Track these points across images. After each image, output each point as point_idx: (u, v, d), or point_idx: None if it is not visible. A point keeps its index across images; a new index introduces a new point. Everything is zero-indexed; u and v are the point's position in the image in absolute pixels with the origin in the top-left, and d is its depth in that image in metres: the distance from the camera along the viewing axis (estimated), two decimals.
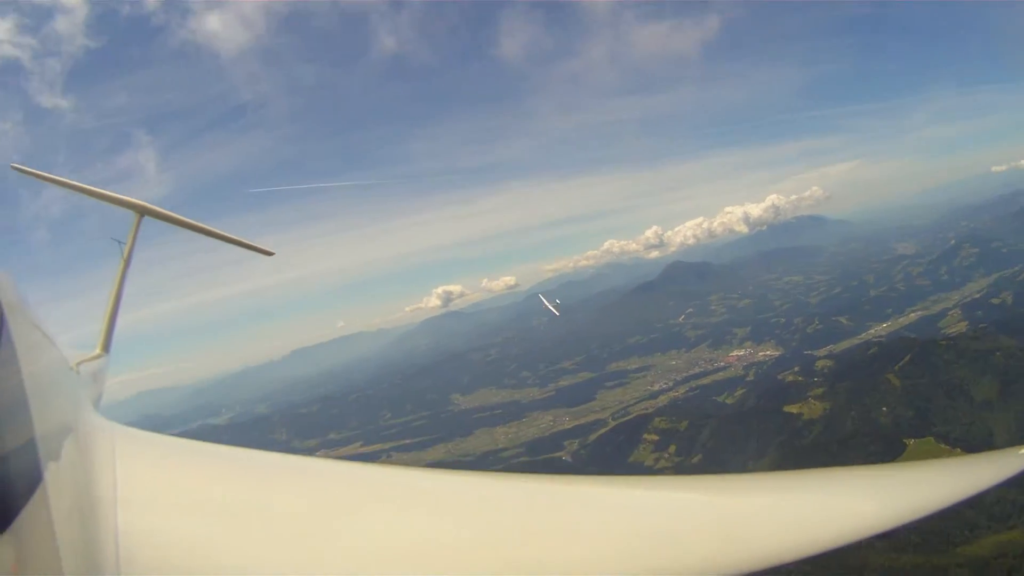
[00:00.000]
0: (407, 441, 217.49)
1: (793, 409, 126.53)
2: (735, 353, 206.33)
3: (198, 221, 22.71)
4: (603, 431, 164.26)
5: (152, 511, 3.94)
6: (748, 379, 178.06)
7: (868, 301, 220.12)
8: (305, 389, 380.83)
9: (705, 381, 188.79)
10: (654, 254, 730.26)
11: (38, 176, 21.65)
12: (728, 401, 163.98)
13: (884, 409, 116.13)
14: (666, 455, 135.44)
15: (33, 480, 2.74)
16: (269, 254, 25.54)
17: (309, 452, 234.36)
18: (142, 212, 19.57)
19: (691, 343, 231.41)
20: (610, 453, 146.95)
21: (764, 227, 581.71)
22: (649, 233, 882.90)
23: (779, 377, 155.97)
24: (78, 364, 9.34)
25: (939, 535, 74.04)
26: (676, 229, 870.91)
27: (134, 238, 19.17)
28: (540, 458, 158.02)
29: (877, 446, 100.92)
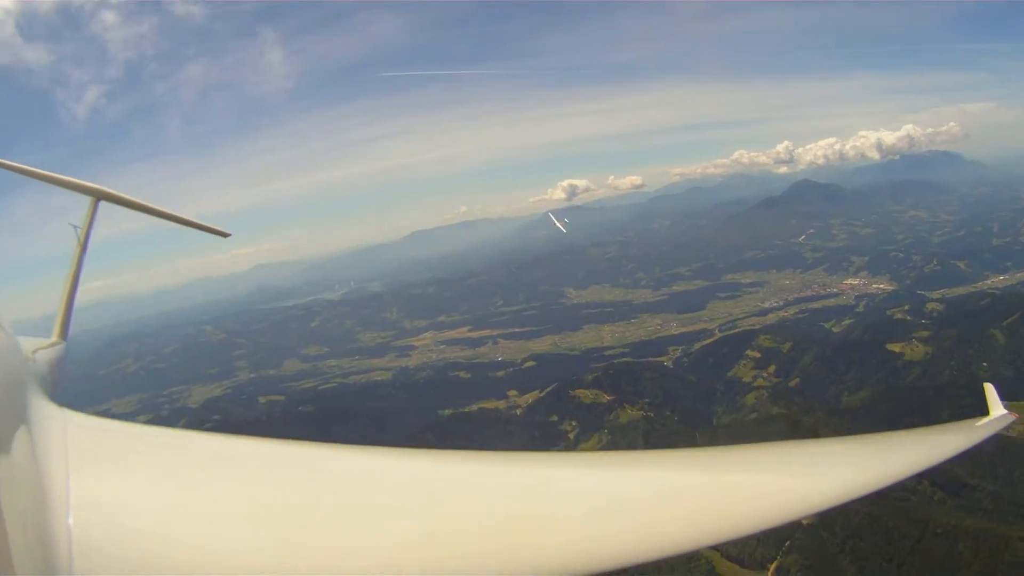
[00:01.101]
0: (515, 329, 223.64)
1: (896, 348, 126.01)
2: (849, 281, 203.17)
3: (155, 204, 22.64)
4: (708, 341, 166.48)
5: (106, 503, 3.97)
6: (858, 310, 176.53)
7: (989, 250, 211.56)
8: (421, 271, 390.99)
9: (815, 305, 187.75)
10: (783, 169, 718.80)
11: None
12: (834, 329, 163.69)
13: (984, 365, 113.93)
14: (764, 375, 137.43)
15: None
16: (225, 235, 25.36)
17: (418, 333, 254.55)
18: (99, 197, 19.42)
19: (808, 264, 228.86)
20: (711, 365, 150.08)
21: (896, 156, 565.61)
22: (780, 148, 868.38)
23: (888, 313, 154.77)
24: (34, 352, 9.48)
25: (1013, 504, 75.37)
26: (807, 147, 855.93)
27: (90, 223, 19.05)
28: (642, 360, 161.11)
29: (971, 400, 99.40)
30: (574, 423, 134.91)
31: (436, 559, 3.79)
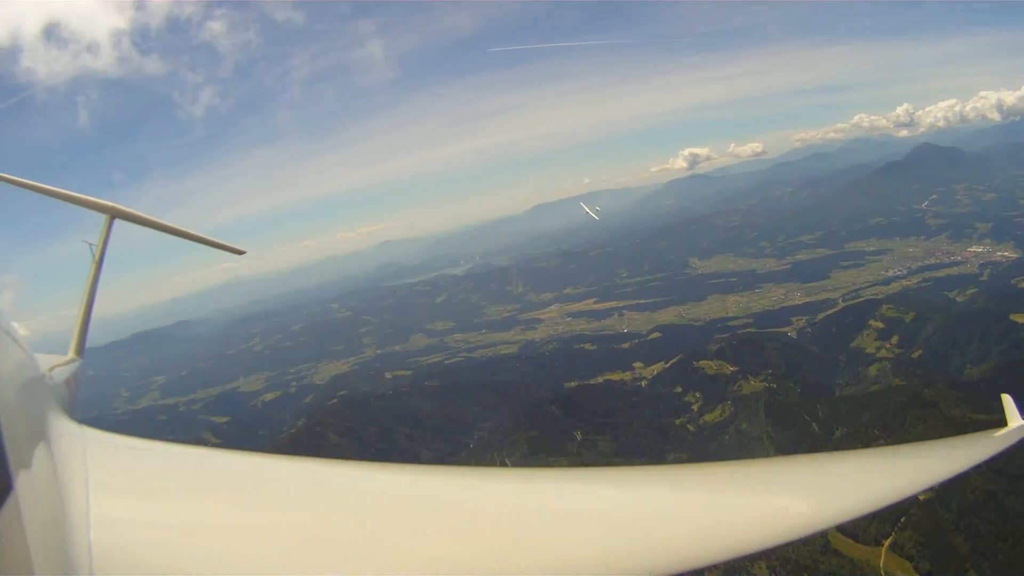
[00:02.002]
0: (640, 301, 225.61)
1: (1019, 318, 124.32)
2: (973, 249, 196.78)
3: (170, 223, 23.13)
4: (831, 311, 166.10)
5: (125, 518, 3.99)
6: (982, 279, 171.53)
7: None
8: (545, 243, 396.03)
9: (939, 274, 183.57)
10: (903, 133, 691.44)
11: (10, 181, 21.40)
12: (959, 299, 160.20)
13: None
14: (887, 345, 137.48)
15: (3, 489, 2.74)
16: (240, 253, 25.91)
17: (543, 306, 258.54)
18: (113, 215, 19.63)
19: (931, 231, 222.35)
20: (835, 335, 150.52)
21: (1017, 117, 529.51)
22: (900, 110, 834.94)
23: (1012, 282, 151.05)
24: (51, 369, 9.58)
25: None
26: (927, 109, 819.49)
27: (105, 240, 19.20)
28: (767, 330, 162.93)
29: None
30: (698, 395, 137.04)
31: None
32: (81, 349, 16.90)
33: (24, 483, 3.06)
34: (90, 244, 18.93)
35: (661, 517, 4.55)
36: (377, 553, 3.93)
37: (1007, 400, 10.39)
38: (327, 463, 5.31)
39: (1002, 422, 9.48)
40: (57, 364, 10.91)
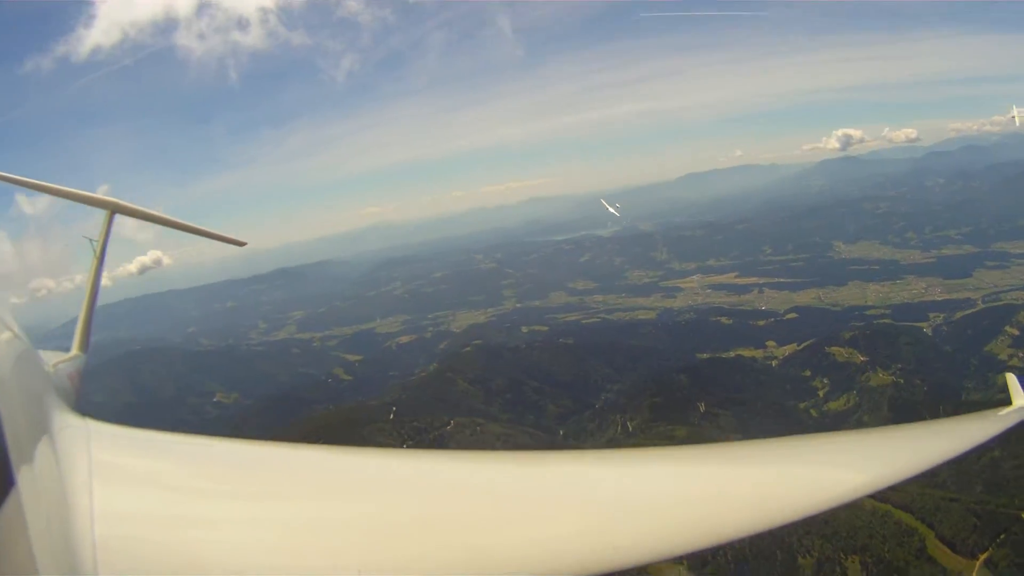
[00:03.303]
0: (781, 280, 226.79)
1: None
2: None
3: (170, 216, 23.50)
4: (969, 312, 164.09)
5: (129, 511, 3.93)
6: None
7: None
8: (692, 213, 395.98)
9: None
10: None
11: (9, 180, 21.26)
12: None
13: None
14: (1021, 354, 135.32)
15: (6, 483, 2.72)
16: (241, 244, 25.89)
17: (685, 275, 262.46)
18: (114, 210, 19.31)
19: None
20: (969, 337, 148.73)
21: None
22: None
23: None
24: (55, 365, 9.48)
25: None
26: None
27: (106, 236, 18.91)
28: (901, 323, 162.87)
29: None
30: (826, 381, 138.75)
31: (446, 559, 3.88)
32: (85, 345, 16.88)
33: (27, 478, 3.13)
34: (91, 240, 18.95)
35: (663, 498, 4.57)
36: (384, 543, 4.02)
37: (1011, 379, 10.81)
38: (335, 451, 5.38)
39: (1006, 400, 9.70)
40: (61, 360, 11.10)
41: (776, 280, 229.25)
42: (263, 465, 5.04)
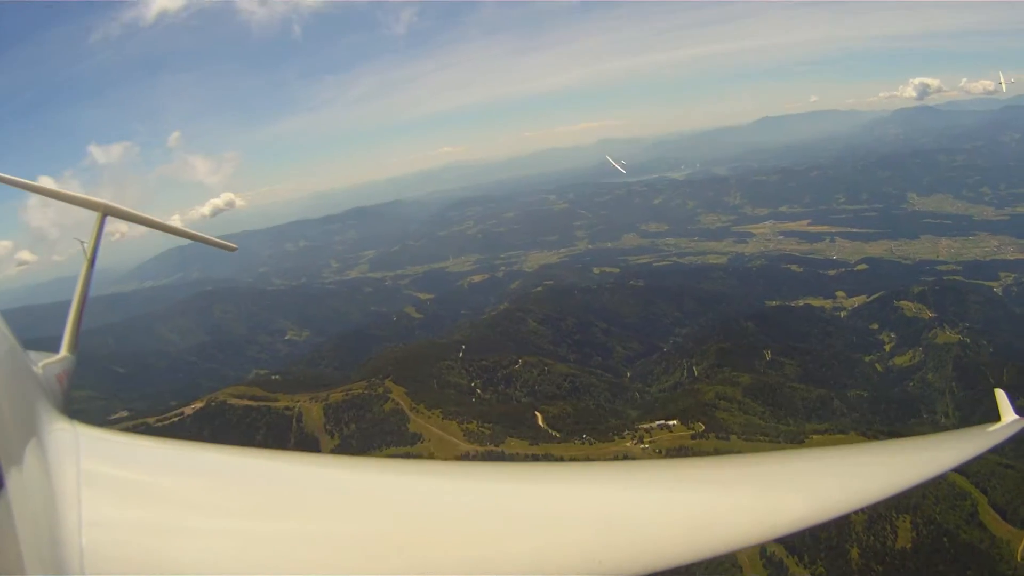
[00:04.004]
0: (853, 229, 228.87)
1: None
2: None
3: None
4: None
5: (116, 515, 3.91)
6: None
7: None
8: (766, 158, 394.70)
9: None
10: None
11: (6, 181, 21.11)
12: None
13: None
14: None
15: None
16: (232, 249, 25.98)
17: (758, 220, 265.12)
18: (105, 212, 19.41)
19: None
20: None
21: None
22: None
23: None
24: (43, 365, 9.47)
25: None
26: None
27: (97, 238, 18.93)
28: (972, 281, 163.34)
29: None
30: (892, 335, 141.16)
31: (427, 572, 3.87)
32: (74, 346, 16.54)
33: (15, 480, 3.16)
34: (82, 242, 18.76)
35: (653, 513, 4.51)
36: (374, 554, 3.96)
37: (1000, 395, 10.83)
38: (326, 459, 5.43)
39: (995, 417, 9.69)
40: (50, 361, 11.02)
41: (848, 229, 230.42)
42: (254, 474, 4.96)
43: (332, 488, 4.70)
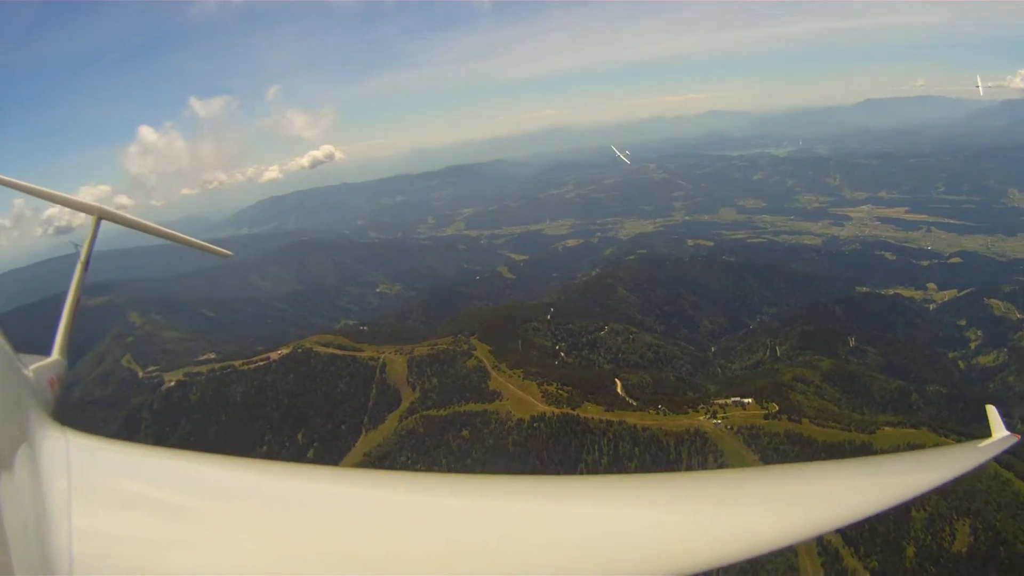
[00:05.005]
0: (950, 220, 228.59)
1: None
2: None
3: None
4: None
5: (107, 523, 3.93)
6: None
7: None
8: (868, 140, 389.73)
9: None
10: None
11: (4, 183, 20.76)
12: None
13: None
14: None
15: None
16: (226, 255, 26.22)
17: (856, 204, 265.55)
18: (100, 216, 18.78)
19: None
20: None
21: None
22: None
23: None
24: (34, 369, 9.13)
25: None
26: None
27: (92, 242, 18.22)
28: None
29: None
30: (979, 332, 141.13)
31: None
32: (65, 349, 15.18)
33: (5, 487, 3.22)
34: (76, 245, 18.24)
35: (638, 526, 4.48)
36: (362, 566, 3.95)
37: (991, 411, 10.91)
38: (317, 471, 5.29)
39: (986, 433, 9.80)
40: (41, 364, 10.70)
41: (945, 220, 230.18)
42: (244, 483, 4.95)
43: (322, 501, 4.77)
